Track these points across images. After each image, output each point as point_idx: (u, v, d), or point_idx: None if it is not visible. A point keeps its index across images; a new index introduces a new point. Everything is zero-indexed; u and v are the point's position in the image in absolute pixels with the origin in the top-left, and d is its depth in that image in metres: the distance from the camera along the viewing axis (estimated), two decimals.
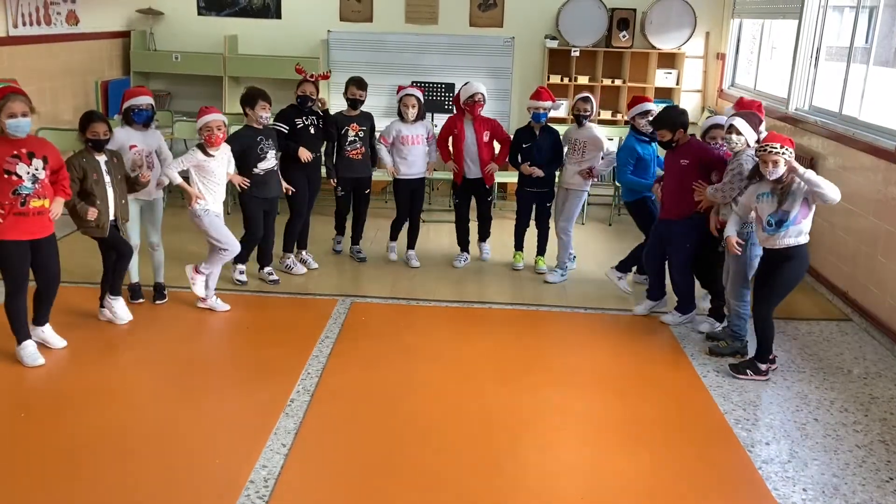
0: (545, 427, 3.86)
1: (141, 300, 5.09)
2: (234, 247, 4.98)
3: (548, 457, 3.59)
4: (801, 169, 4.06)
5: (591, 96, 5.66)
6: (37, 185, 4.00)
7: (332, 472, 3.43)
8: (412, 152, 5.76)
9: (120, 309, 4.76)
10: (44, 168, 4.02)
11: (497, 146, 5.92)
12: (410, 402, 4.02)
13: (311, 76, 5.55)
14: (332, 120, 5.68)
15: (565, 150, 5.78)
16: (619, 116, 8.41)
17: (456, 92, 5.90)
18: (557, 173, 5.82)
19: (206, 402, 3.97)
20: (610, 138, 8.20)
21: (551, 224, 5.90)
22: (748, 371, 4.38)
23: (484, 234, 6.16)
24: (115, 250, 4.62)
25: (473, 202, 6.02)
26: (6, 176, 3.90)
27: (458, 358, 4.55)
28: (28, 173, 3.96)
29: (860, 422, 4.00)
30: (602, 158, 5.65)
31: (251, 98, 5.12)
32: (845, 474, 3.54)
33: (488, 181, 5.88)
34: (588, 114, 5.61)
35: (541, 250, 5.97)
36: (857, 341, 4.99)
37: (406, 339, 4.80)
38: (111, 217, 4.49)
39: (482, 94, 5.66)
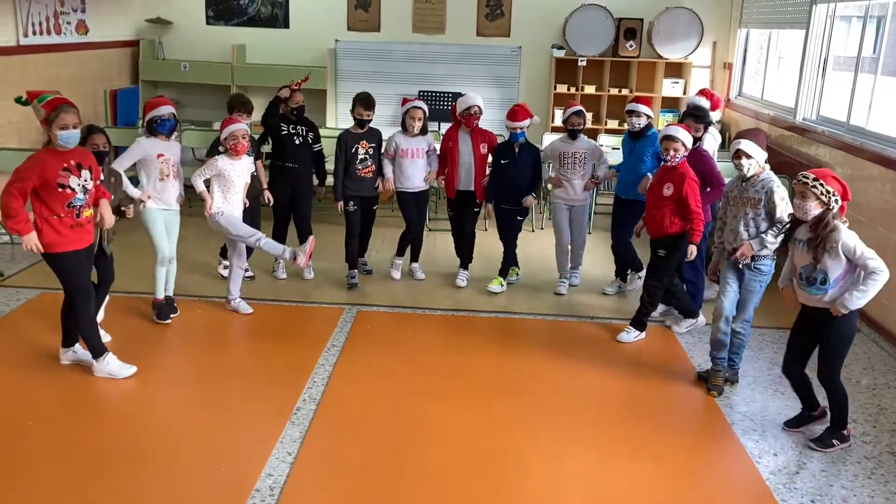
0: (550, 435, 3.84)
1: (168, 321, 4.95)
2: (253, 234, 4.88)
3: (553, 465, 3.58)
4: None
5: (583, 109, 5.62)
6: (87, 196, 4.00)
7: (337, 480, 3.42)
8: (411, 166, 5.64)
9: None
10: (91, 178, 4.01)
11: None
12: (416, 411, 4.02)
13: (296, 84, 5.55)
14: (339, 139, 5.57)
15: (548, 166, 5.67)
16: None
17: (453, 103, 5.81)
18: (551, 188, 5.69)
19: (212, 410, 3.97)
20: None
21: (519, 242, 5.84)
22: (834, 442, 3.81)
23: (465, 260, 5.89)
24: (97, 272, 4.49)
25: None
26: (60, 190, 3.87)
27: (463, 366, 4.54)
28: (79, 185, 3.93)
29: (868, 433, 3.97)
30: (600, 165, 5.64)
31: (228, 107, 5.25)
32: (854, 486, 3.51)
33: (480, 196, 5.66)
34: (583, 127, 5.61)
35: (504, 271, 5.77)
36: (866, 352, 4.96)
37: (412, 347, 4.79)
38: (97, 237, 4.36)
39: (478, 107, 5.54)
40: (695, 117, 5.05)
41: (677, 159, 4.61)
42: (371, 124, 5.66)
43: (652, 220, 4.76)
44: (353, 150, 5.54)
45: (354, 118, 5.56)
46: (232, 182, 4.84)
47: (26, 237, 3.86)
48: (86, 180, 3.97)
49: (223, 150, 4.86)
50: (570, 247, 5.84)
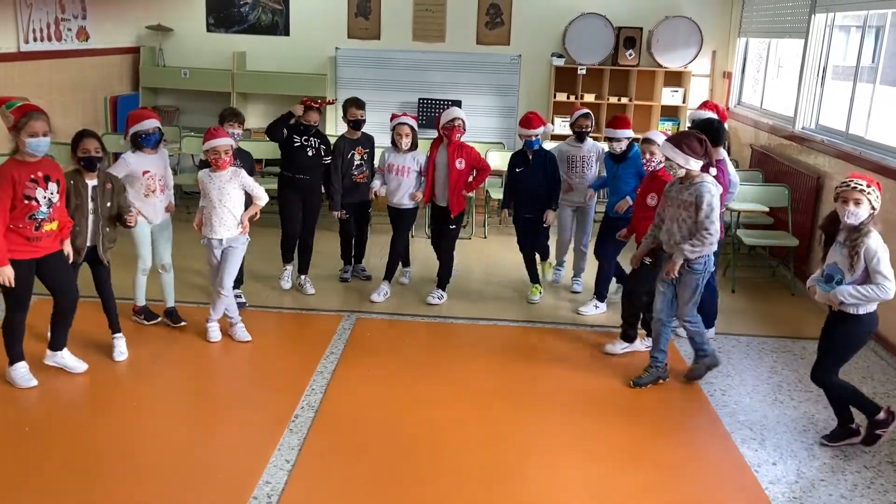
0: (550, 444, 3.84)
1: (157, 320, 5.00)
2: (220, 281, 4.76)
3: (553, 474, 3.57)
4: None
5: (590, 112, 5.70)
6: (51, 210, 3.89)
7: (335, 488, 3.41)
8: (394, 182, 5.51)
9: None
10: (57, 192, 3.91)
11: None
12: (415, 419, 4.01)
13: (318, 103, 5.51)
14: (335, 146, 5.57)
15: (562, 170, 5.64)
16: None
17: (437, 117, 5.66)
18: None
19: (210, 418, 3.97)
20: None
21: (551, 245, 5.88)
22: (878, 433, 3.87)
23: (443, 279, 5.66)
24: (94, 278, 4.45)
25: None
26: (26, 202, 3.78)
27: (462, 374, 4.54)
28: (45, 198, 3.85)
29: None
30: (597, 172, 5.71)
31: (220, 119, 5.15)
32: (853, 495, 3.50)
33: (454, 209, 5.46)
34: (590, 129, 5.67)
35: (533, 278, 5.74)
36: (865, 361, 4.96)
37: (411, 355, 4.79)
38: (88, 243, 4.27)
39: (462, 121, 5.37)
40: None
41: (654, 162, 4.66)
42: (369, 132, 5.67)
43: (641, 232, 4.74)
44: (350, 155, 5.57)
45: (348, 120, 5.57)
46: (208, 197, 4.64)
47: (1, 269, 3.76)
48: (52, 193, 3.88)
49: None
50: (574, 249, 5.92)
